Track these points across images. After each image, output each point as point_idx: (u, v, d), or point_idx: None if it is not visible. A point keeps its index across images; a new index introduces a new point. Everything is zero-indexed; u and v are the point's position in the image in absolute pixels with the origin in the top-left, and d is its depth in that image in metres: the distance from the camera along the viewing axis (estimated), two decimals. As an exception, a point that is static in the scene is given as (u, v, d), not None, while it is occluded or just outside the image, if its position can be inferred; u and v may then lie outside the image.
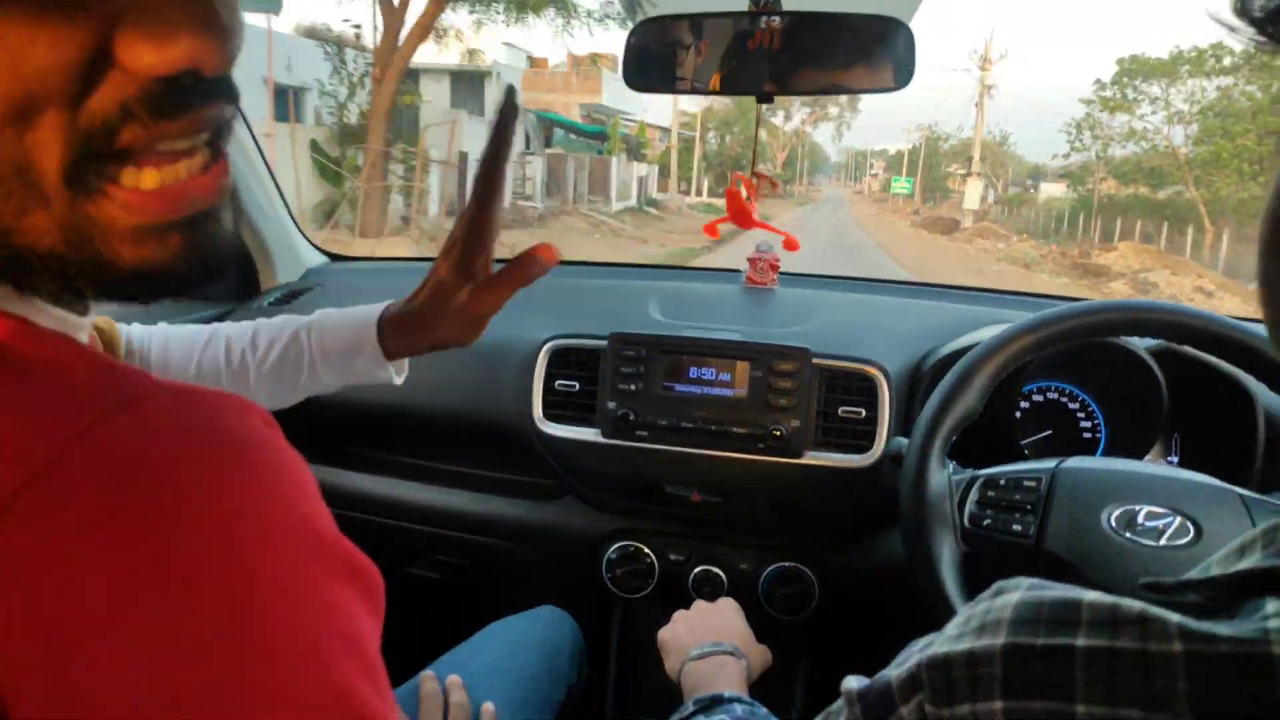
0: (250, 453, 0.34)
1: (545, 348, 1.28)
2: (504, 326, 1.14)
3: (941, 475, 0.93)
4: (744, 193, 1.32)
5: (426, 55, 15.89)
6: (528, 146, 20.54)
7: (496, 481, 1.43)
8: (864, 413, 1.20)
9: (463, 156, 15.18)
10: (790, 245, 1.47)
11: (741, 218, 1.32)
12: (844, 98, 48.91)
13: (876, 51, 0.99)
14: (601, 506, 1.36)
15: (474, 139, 16.19)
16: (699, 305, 1.44)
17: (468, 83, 19.68)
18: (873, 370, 1.21)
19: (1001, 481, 0.93)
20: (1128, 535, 0.84)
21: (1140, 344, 1.17)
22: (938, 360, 1.23)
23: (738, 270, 1.58)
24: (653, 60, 1.05)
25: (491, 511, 1.41)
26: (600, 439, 1.23)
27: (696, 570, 1.32)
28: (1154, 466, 0.94)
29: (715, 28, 1.02)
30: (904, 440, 1.01)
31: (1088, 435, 1.27)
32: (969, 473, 0.96)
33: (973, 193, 29.57)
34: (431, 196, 14.62)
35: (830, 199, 57.00)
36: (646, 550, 1.33)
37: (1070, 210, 29.42)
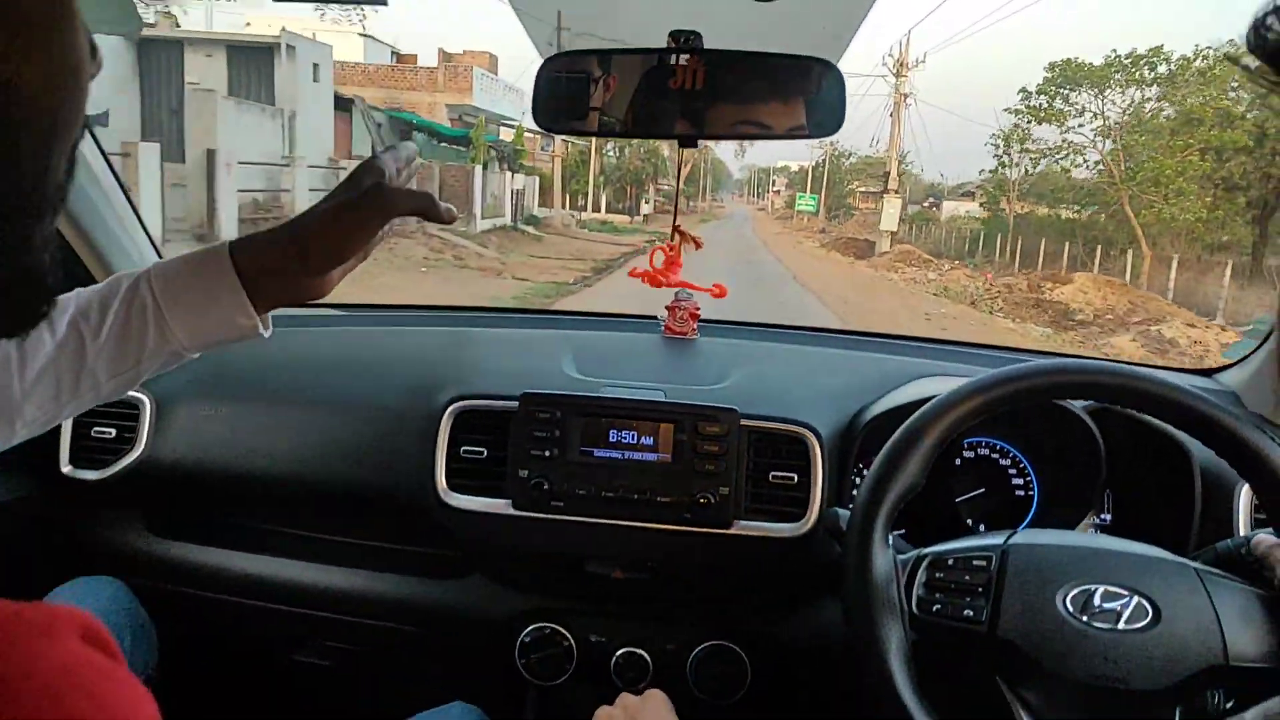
0: (67, 699, 0.28)
1: (449, 410, 1.22)
2: (404, 386, 1.27)
3: (886, 556, 0.89)
4: (659, 258, 1.44)
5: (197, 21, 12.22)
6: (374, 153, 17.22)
7: (394, 557, 1.35)
8: (795, 478, 1.18)
9: (210, 155, 12.25)
10: (719, 294, 1.51)
11: (659, 281, 1.42)
12: None
13: (804, 94, 0.97)
14: (513, 585, 1.31)
15: (247, 130, 13.07)
16: (617, 358, 1.42)
17: (249, 59, 15.87)
18: (804, 431, 1.19)
19: (949, 561, 0.90)
20: (1084, 620, 0.82)
21: (1077, 403, 1.19)
22: (872, 419, 1.20)
23: (654, 318, 1.56)
24: (563, 97, 1.02)
25: (388, 591, 1.33)
26: (511, 510, 1.18)
27: (620, 653, 1.27)
28: (1104, 539, 0.93)
29: (630, 65, 0.99)
30: (841, 511, 0.97)
31: (1020, 493, 1.27)
32: (914, 552, 0.92)
33: (890, 212, 26.76)
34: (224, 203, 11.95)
35: (734, 216, 56.28)
36: (565, 632, 1.28)
37: (985, 230, 28.11)
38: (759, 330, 1.68)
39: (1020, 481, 1.27)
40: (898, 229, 27.28)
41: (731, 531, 1.15)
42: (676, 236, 1.39)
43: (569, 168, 33.66)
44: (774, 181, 78.29)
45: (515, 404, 1.19)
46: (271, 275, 0.70)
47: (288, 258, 0.70)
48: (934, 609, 0.87)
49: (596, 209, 34.85)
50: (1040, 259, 22.12)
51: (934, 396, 0.98)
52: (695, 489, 1.15)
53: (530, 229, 21.64)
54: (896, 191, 27.11)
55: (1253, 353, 1.43)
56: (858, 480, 1.22)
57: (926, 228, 34.06)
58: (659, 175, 39.02)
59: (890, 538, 0.89)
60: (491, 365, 1.36)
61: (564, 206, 31.55)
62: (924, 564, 0.90)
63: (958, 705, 0.83)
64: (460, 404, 1.22)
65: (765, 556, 1.17)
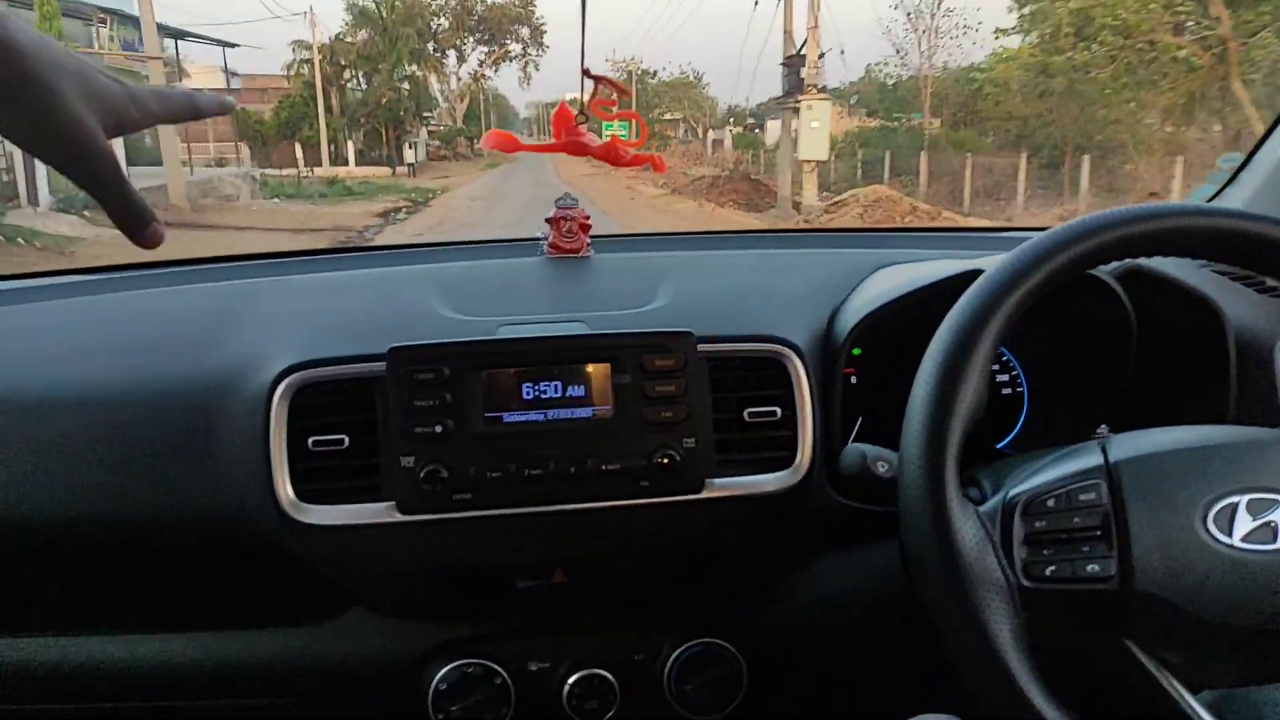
0: None
1: (282, 386, 0.93)
2: (199, 363, 0.98)
3: (968, 513, 0.72)
4: (578, 110, 1.07)
5: None
6: None
7: (236, 607, 1.08)
8: (779, 412, 0.99)
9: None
10: (658, 167, 1.21)
11: (577, 146, 1.09)
12: (525, 32, 40.96)
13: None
14: (411, 615, 1.09)
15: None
16: (502, 290, 1.18)
17: None
18: (780, 349, 1.00)
19: (1049, 502, 0.73)
20: (1239, 543, 0.68)
21: (1104, 268, 1.02)
22: (860, 322, 1.02)
23: (534, 239, 1.28)
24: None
25: (239, 656, 1.07)
26: (396, 516, 0.92)
27: (573, 679, 1.07)
28: (1207, 430, 0.77)
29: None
30: (866, 449, 0.86)
31: (1006, 392, 1.14)
32: (997, 498, 0.75)
33: (815, 127, 14.94)
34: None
35: (525, 157, 32.17)
36: (494, 666, 1.07)
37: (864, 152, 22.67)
38: (663, 240, 1.50)
39: (1004, 378, 1.12)
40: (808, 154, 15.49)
41: (704, 495, 0.96)
42: (593, 83, 1.05)
43: (291, 105, 28.21)
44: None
45: (380, 365, 0.92)
46: None
47: None
48: (1047, 572, 0.70)
49: (341, 161, 29.09)
50: (924, 180, 18.12)
51: (923, 284, 0.97)
52: (651, 446, 0.94)
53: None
54: (822, 92, 15.54)
55: (1241, 169, 1.22)
56: (845, 406, 1.04)
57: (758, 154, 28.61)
58: (423, 108, 34.11)
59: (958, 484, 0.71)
60: (329, 318, 1.07)
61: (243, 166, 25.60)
62: (1017, 511, 0.73)
63: (1071, 683, 0.70)
64: (297, 375, 0.93)
65: (750, 520, 1.00)
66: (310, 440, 0.92)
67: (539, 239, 1.27)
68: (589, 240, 1.26)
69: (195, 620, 1.06)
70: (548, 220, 1.26)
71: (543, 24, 42.33)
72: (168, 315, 1.15)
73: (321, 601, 1.05)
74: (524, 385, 0.94)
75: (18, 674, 1.04)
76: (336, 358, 0.95)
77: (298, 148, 30.11)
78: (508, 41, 42.47)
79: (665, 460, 0.94)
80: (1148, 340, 1.04)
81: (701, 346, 0.96)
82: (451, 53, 41.28)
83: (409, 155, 31.16)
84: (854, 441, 0.98)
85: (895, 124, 23.51)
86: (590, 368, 0.95)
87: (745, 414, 0.98)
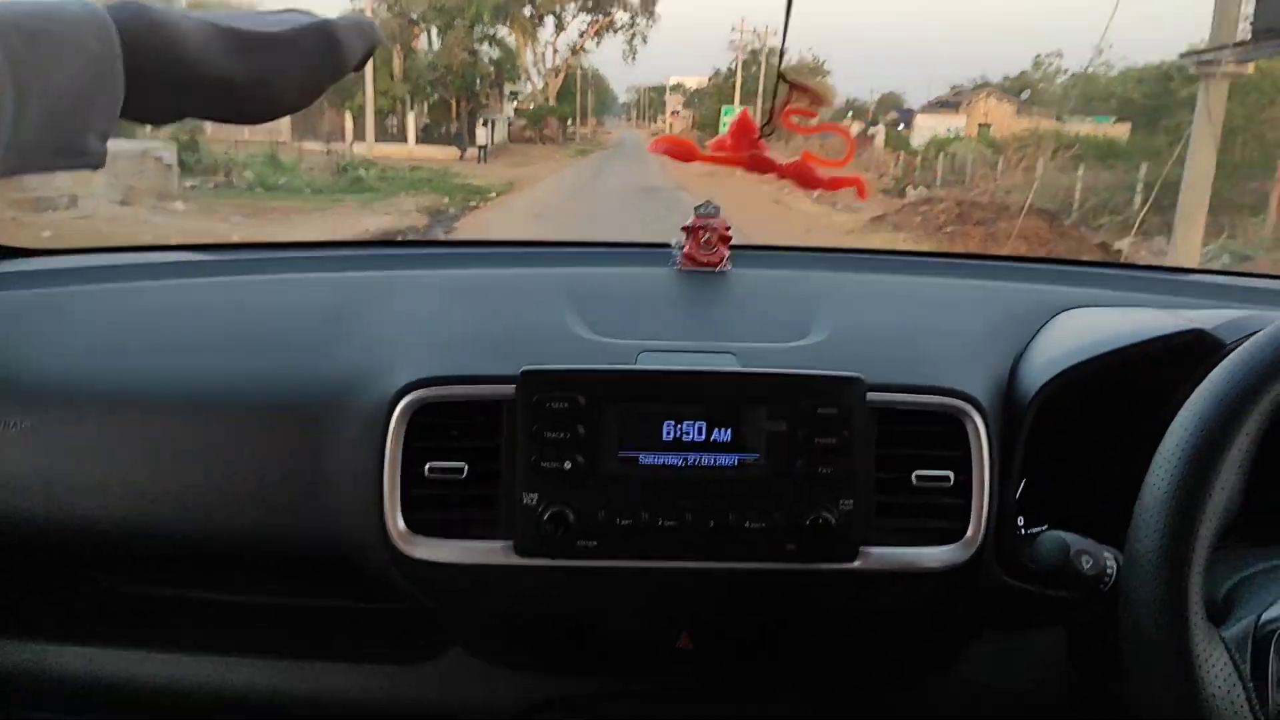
0: None
1: (402, 404, 0.89)
2: (313, 367, 0.95)
3: (1216, 645, 0.64)
4: (765, 118, 0.94)
5: None
6: None
7: (324, 637, 1.09)
8: (952, 476, 0.90)
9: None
10: (862, 192, 1.06)
11: (760, 162, 0.96)
12: (635, 2, 35.54)
13: None
14: (516, 664, 1.08)
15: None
16: (638, 306, 1.11)
17: None
18: (961, 405, 0.91)
19: None
20: None
21: None
22: (1054, 380, 0.93)
23: (664, 245, 1.22)
24: None
25: (322, 690, 1.08)
26: (513, 559, 0.88)
27: None
28: None
29: None
30: (1063, 537, 0.78)
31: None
32: (1247, 621, 0.67)
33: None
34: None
35: (624, 143, 43.82)
36: None
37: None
38: (810, 257, 1.40)
39: None
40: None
41: (858, 565, 0.89)
42: (789, 90, 0.90)
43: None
44: (665, 103, 60.29)
45: (510, 389, 0.87)
46: None
47: None
48: None
49: (398, 137, 24.55)
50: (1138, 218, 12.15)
51: (1132, 342, 0.90)
52: (803, 505, 0.87)
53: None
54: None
55: None
56: (1020, 476, 0.95)
57: (929, 162, 23.36)
58: (505, 77, 28.85)
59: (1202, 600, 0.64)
60: (454, 325, 1.02)
61: (349, 135, 22.46)
62: (1273, 643, 0.64)
63: None
64: (419, 393, 0.89)
65: (905, 596, 0.93)
66: (426, 466, 0.87)
67: (670, 247, 1.21)
68: (728, 253, 1.18)
69: (286, 647, 1.05)
70: (685, 229, 1.19)
71: (656, -9, 36.22)
72: (276, 309, 1.09)
73: (420, 639, 1.04)
74: (665, 424, 0.88)
75: (97, 685, 1.02)
76: (464, 376, 0.89)
77: (347, 117, 25.15)
78: (614, 9, 37.08)
79: (820, 522, 0.87)
80: None
81: (872, 394, 0.89)
82: (549, 19, 35.95)
83: (482, 135, 25.80)
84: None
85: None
86: (745, 409, 0.88)
87: (913, 476, 0.90)
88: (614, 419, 0.87)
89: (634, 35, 37.92)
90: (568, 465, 0.86)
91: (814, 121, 0.92)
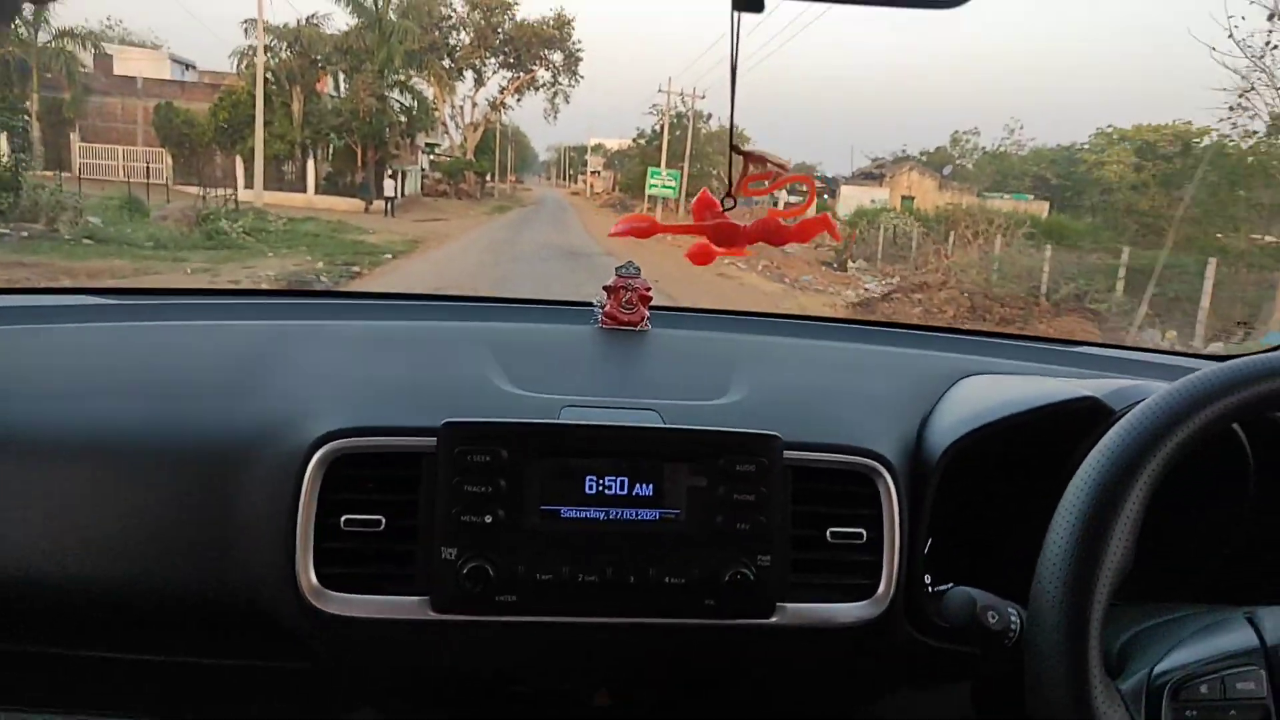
0: None
1: (319, 454, 0.88)
2: (227, 414, 0.93)
3: (1114, 700, 0.67)
4: (724, 194, 0.86)
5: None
6: None
7: (234, 700, 1.06)
8: (864, 534, 0.94)
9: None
10: (834, 232, 0.90)
11: (726, 231, 0.87)
12: (558, 57, 35.03)
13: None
14: None
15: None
16: (561, 362, 1.13)
17: None
18: (872, 464, 0.95)
19: (1201, 688, 0.68)
20: None
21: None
22: (959, 441, 0.97)
23: (587, 304, 1.27)
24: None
25: None
26: (429, 614, 0.87)
27: None
28: None
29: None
30: (970, 593, 0.82)
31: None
32: (1140, 675, 0.70)
33: None
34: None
35: (545, 202, 42.79)
36: None
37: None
38: (727, 320, 1.41)
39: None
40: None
41: (774, 620, 0.90)
42: (745, 162, 0.83)
43: (234, 104, 21.90)
44: (586, 162, 59.47)
45: (431, 441, 0.87)
46: None
47: None
48: None
49: (296, 185, 22.98)
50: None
51: (1031, 406, 0.93)
52: (721, 560, 0.88)
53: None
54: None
55: None
56: (928, 534, 0.98)
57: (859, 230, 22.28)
58: (417, 127, 26.93)
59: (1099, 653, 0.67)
60: (375, 376, 1.02)
61: (240, 182, 20.58)
62: (1164, 696, 0.66)
63: None
64: (337, 444, 0.87)
65: (819, 651, 0.96)
66: (343, 519, 0.87)
67: (592, 305, 1.25)
68: (648, 313, 1.24)
69: (193, 709, 1.03)
70: (606, 288, 1.23)
71: (579, 50, 35.28)
72: (195, 353, 1.08)
73: (330, 699, 1.02)
74: (588, 478, 0.89)
75: None
76: (384, 427, 0.90)
77: (238, 162, 22.81)
78: (536, 67, 35.69)
79: (738, 578, 0.89)
80: (1266, 489, 0.98)
81: (790, 453, 0.93)
82: (469, 73, 34.32)
83: (389, 187, 23.98)
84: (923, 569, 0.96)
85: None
86: (666, 466, 0.90)
87: (828, 533, 0.93)
88: (537, 473, 0.88)
89: (556, 94, 36.80)
90: (489, 519, 0.86)
91: (768, 183, 0.86)
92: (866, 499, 0.94)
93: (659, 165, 29.21)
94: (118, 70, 24.75)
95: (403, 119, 25.48)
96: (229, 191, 20.34)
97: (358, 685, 1.00)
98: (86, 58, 23.45)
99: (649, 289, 1.23)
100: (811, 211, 0.93)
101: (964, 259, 17.56)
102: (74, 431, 0.92)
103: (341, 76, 24.85)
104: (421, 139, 30.17)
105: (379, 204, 23.99)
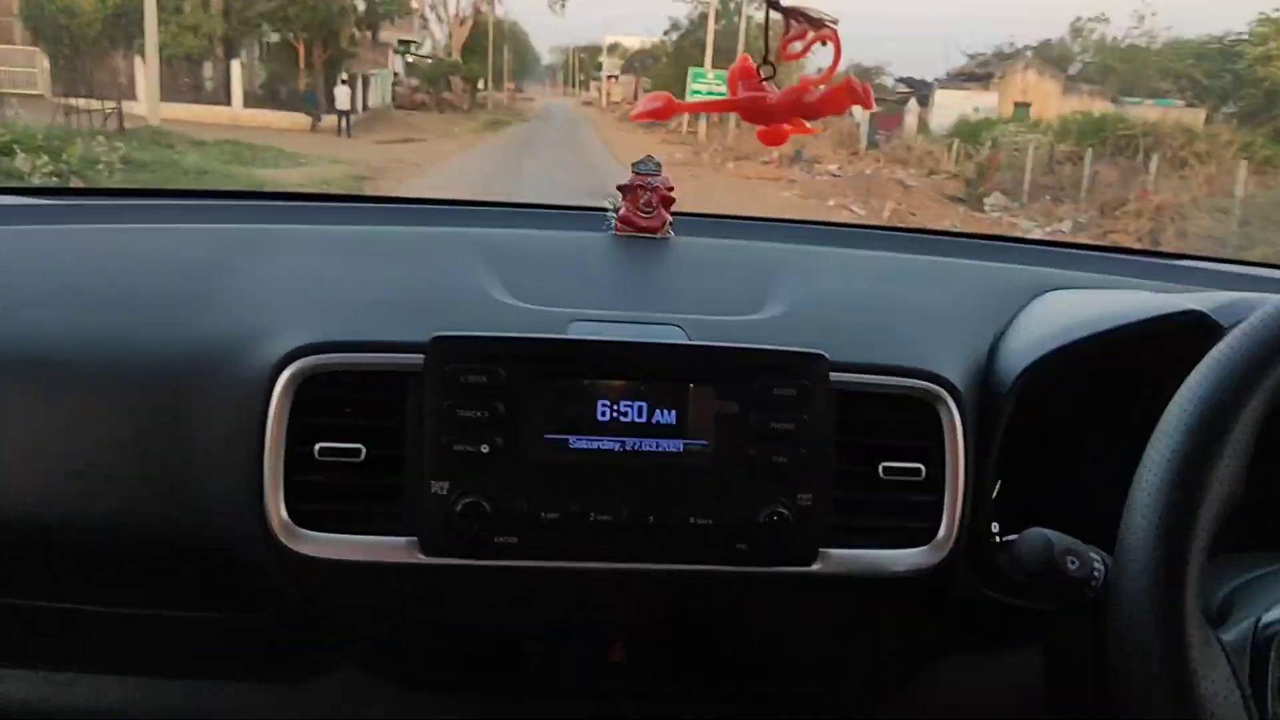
0: None
1: (287, 374, 0.80)
2: (180, 326, 0.87)
3: (1214, 651, 0.62)
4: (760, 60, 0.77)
5: None
6: None
7: (191, 651, 0.98)
8: (923, 470, 0.86)
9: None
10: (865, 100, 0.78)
11: (756, 106, 0.77)
12: None
13: None
14: (419, 683, 1.00)
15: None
16: (567, 272, 1.03)
17: None
18: (934, 388, 0.86)
19: None
20: None
21: None
22: (1038, 364, 0.89)
23: (599, 210, 1.12)
24: None
25: (201, 713, 0.99)
26: (417, 557, 0.80)
27: None
28: None
29: None
30: (1046, 534, 0.75)
31: None
32: (1245, 624, 0.66)
33: None
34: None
35: (551, 114, 35.02)
36: None
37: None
38: (761, 226, 1.31)
39: None
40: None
41: (816, 569, 0.83)
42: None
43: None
44: (599, 65, 50.92)
45: (417, 359, 0.80)
46: None
47: None
48: None
49: (219, 96, 17.95)
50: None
51: (1109, 323, 0.87)
52: (755, 498, 0.81)
53: None
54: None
55: None
56: (997, 471, 0.91)
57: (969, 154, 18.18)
58: (381, 17, 21.66)
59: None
60: (351, 286, 0.94)
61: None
62: (1274, 646, 0.63)
63: None
64: (308, 360, 0.80)
65: (868, 604, 0.89)
66: (317, 447, 0.79)
67: (606, 210, 1.11)
68: (670, 218, 1.10)
69: (141, 661, 0.97)
70: (621, 188, 1.10)
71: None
72: (143, 259, 0.99)
73: (308, 653, 0.96)
74: (599, 403, 0.81)
75: None
76: (363, 342, 0.82)
77: (139, 65, 17.46)
78: None
79: (773, 519, 0.81)
80: None
81: (836, 375, 0.84)
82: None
83: (342, 96, 18.21)
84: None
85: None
86: (691, 389, 0.82)
87: (880, 469, 0.86)
88: (540, 396, 0.80)
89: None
90: (485, 449, 0.78)
91: (800, 45, 0.74)
92: (926, 429, 0.85)
93: (702, 65, 22.54)
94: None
95: (358, 4, 19.23)
96: (106, 105, 14.85)
97: (335, 639, 0.91)
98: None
99: (671, 189, 1.08)
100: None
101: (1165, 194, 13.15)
102: (5, 345, 0.85)
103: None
104: (391, 35, 23.89)
105: (331, 119, 18.84)
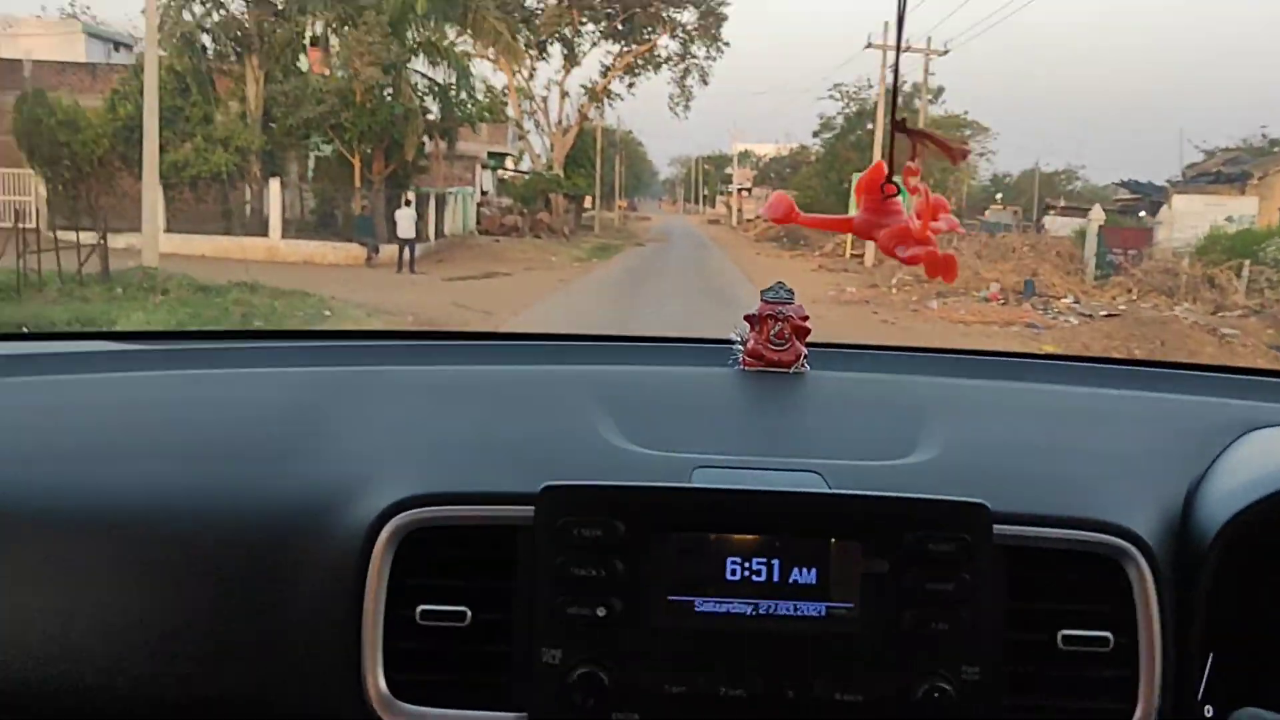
0: None
1: (388, 528, 0.79)
2: (275, 479, 0.85)
3: None
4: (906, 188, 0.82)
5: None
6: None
7: None
8: (1111, 639, 0.78)
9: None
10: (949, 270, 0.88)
11: (870, 225, 0.81)
12: (688, 16, 24.67)
13: None
14: None
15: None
16: (690, 413, 0.99)
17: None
18: (1120, 543, 0.80)
19: None
20: None
21: None
22: (1247, 513, 0.82)
23: (724, 343, 1.07)
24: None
25: None
26: None
27: None
28: None
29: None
30: (1261, 715, 0.71)
31: None
32: None
33: None
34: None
35: (676, 235, 31.21)
36: None
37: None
38: (907, 358, 1.24)
39: None
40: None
41: None
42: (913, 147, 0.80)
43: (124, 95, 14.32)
44: (728, 178, 47.46)
45: (527, 510, 0.77)
46: None
47: None
48: None
49: (253, 223, 15.11)
50: None
51: None
52: (915, 671, 0.74)
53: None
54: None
55: None
56: (1204, 640, 0.82)
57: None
58: (461, 116, 17.18)
59: None
60: (452, 432, 0.93)
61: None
62: None
63: None
64: (409, 515, 0.78)
65: None
66: (419, 610, 0.77)
67: (732, 343, 1.06)
68: (805, 350, 1.03)
69: None
70: (748, 318, 1.04)
71: (722, 5, 24.46)
72: (237, 406, 0.99)
73: None
74: (729, 560, 0.77)
75: None
76: (466, 494, 0.80)
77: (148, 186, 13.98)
78: (656, 33, 24.96)
79: (934, 695, 0.75)
80: None
81: (997, 529, 0.78)
82: (557, 45, 24.37)
83: (405, 220, 15.26)
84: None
85: None
86: (833, 544, 0.77)
87: (1059, 637, 0.79)
88: (662, 552, 0.76)
89: (688, 71, 26.33)
90: (601, 611, 0.75)
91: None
92: (1112, 592, 0.78)
93: (867, 165, 18.15)
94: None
95: (427, 103, 15.43)
96: (90, 240, 11.46)
97: None
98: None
99: (806, 318, 1.02)
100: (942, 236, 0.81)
101: None
102: (95, 500, 0.84)
103: (328, 36, 15.11)
104: (477, 147, 20.21)
105: (393, 250, 15.13)
